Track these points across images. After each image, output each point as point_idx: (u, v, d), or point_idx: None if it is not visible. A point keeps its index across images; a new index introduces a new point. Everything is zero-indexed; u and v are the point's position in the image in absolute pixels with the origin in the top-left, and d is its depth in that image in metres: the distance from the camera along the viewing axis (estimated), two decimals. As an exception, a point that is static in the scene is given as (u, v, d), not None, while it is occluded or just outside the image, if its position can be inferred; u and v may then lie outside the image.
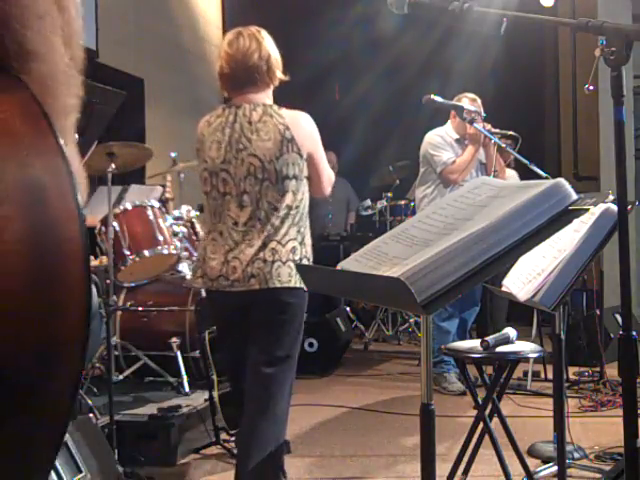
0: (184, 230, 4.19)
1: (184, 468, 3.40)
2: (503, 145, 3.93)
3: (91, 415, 3.14)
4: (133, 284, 4.30)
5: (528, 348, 2.66)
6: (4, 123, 0.54)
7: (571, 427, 3.12)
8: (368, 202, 7.15)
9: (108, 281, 3.71)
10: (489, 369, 3.17)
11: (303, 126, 2.50)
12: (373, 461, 3.48)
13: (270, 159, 2.42)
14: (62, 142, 0.58)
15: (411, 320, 6.62)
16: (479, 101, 4.58)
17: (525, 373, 4.73)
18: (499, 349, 2.60)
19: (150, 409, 3.62)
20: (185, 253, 4.20)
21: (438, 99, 4.06)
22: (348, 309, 6.47)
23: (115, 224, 3.86)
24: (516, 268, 2.36)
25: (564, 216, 1.32)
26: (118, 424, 3.20)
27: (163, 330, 4.15)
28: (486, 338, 2.61)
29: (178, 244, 4.11)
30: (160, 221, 4.08)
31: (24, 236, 0.53)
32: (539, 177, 3.41)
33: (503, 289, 2.40)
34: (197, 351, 4.00)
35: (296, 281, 2.40)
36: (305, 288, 2.40)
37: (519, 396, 4.46)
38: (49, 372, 0.56)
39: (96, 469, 2.71)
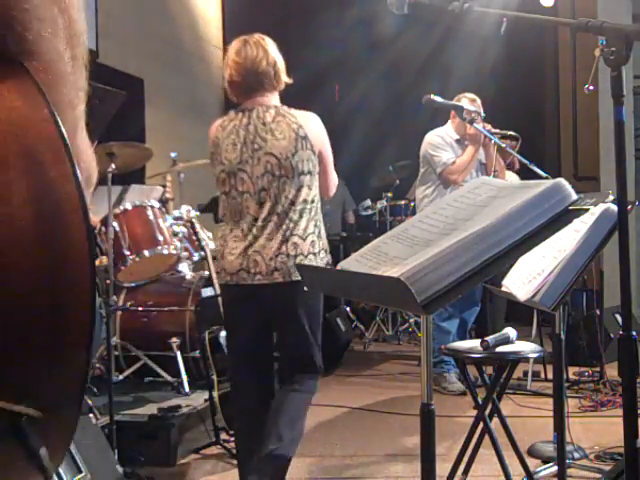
0: (184, 230, 4.19)
1: (184, 468, 3.39)
2: (503, 145, 3.93)
3: (91, 415, 3.14)
4: (133, 284, 4.30)
5: (528, 348, 2.66)
6: (3, 99, 0.62)
7: (571, 427, 3.12)
8: (368, 202, 7.15)
9: (108, 281, 3.71)
10: (489, 369, 3.17)
11: (314, 125, 2.65)
12: (373, 461, 3.47)
13: (286, 156, 2.57)
14: (57, 115, 0.65)
15: (411, 320, 6.62)
16: (479, 101, 4.58)
17: (525, 373, 4.73)
18: (499, 349, 2.60)
19: (150, 409, 3.61)
20: (185, 253, 4.20)
21: (438, 99, 4.06)
22: (348, 309, 6.47)
23: (115, 224, 3.86)
24: (516, 268, 2.36)
25: (564, 216, 1.32)
26: (118, 424, 3.20)
27: (163, 330, 4.15)
28: (486, 338, 2.60)
29: (178, 244, 4.11)
30: (160, 221, 4.08)
31: (28, 197, 0.59)
32: (539, 177, 3.41)
33: (503, 289, 2.39)
34: (197, 351, 4.00)
35: None
36: None
37: (519, 396, 4.45)
38: (64, 315, 0.62)
39: (96, 469, 2.71)
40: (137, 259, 3.95)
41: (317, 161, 2.65)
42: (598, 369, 4.73)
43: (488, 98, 4.88)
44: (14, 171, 0.59)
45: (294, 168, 2.57)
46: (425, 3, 1.83)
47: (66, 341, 0.64)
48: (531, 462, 3.12)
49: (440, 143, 4.65)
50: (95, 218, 3.96)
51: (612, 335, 5.17)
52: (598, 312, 5.02)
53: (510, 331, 2.66)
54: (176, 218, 4.19)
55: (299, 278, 2.47)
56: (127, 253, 3.92)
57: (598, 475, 3.12)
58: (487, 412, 2.64)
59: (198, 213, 4.21)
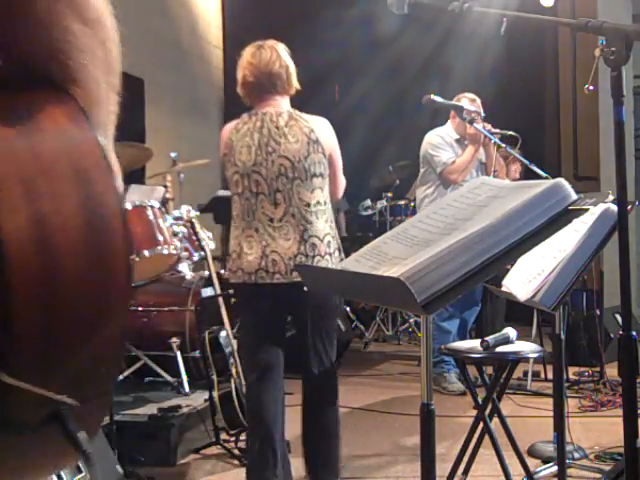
0: (184, 230, 4.19)
1: (184, 468, 3.40)
2: (503, 145, 3.93)
3: (91, 415, 3.14)
4: (133, 284, 4.29)
5: (528, 348, 2.66)
6: (55, 123, 0.71)
7: (571, 427, 3.12)
8: (368, 202, 7.14)
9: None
10: (489, 369, 3.17)
11: (325, 129, 2.76)
12: (373, 461, 3.48)
13: (299, 159, 2.66)
14: (101, 139, 0.74)
15: (411, 320, 6.62)
16: (479, 101, 4.58)
17: (525, 373, 4.73)
18: (499, 349, 2.60)
19: (150, 409, 3.62)
20: (185, 253, 4.19)
21: (438, 99, 4.06)
22: (348, 309, 6.47)
23: (115, 224, 3.85)
24: (516, 268, 2.36)
25: (564, 216, 1.32)
26: (118, 424, 3.19)
27: (163, 330, 4.15)
28: (486, 338, 2.61)
29: (178, 244, 4.10)
30: (160, 221, 4.07)
31: (79, 208, 0.68)
32: (539, 177, 3.41)
33: (503, 289, 2.40)
34: (197, 351, 4.00)
35: None
36: None
37: (519, 396, 4.46)
38: (107, 313, 0.70)
39: (96, 469, 2.71)
40: (137, 259, 3.94)
41: (327, 164, 2.74)
42: (598, 369, 4.74)
43: (488, 98, 4.88)
44: (67, 186, 0.68)
45: (307, 170, 2.66)
46: (425, 3, 1.83)
47: (106, 337, 0.72)
48: (531, 462, 3.12)
49: (440, 143, 4.65)
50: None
51: (612, 335, 5.17)
52: (598, 312, 5.03)
53: (510, 331, 2.66)
54: (176, 218, 4.19)
55: None
56: (127, 253, 3.91)
57: (598, 475, 3.12)
58: (487, 412, 2.65)
59: (198, 213, 4.20)
